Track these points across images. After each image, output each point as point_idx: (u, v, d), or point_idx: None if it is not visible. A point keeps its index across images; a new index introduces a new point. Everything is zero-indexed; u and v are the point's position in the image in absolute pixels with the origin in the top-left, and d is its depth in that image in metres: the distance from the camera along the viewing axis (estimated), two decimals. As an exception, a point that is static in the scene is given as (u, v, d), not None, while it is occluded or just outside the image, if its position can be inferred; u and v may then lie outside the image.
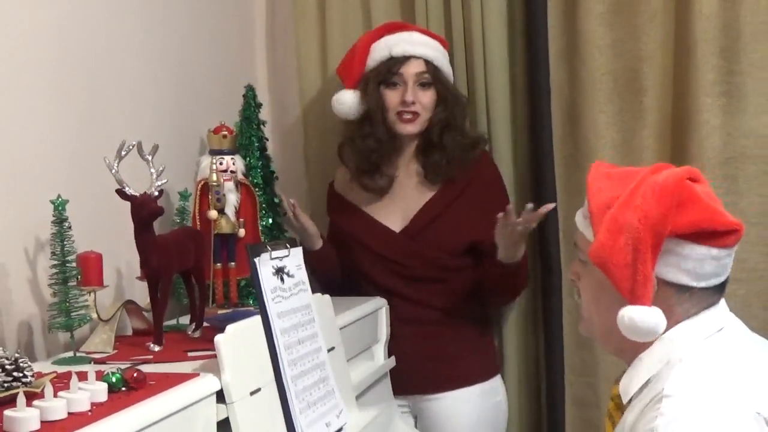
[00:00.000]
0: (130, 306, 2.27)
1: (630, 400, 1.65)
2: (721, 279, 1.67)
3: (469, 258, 2.79)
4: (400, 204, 2.83)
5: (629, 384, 1.66)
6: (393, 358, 2.73)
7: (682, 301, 1.65)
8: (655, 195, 1.60)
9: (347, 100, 2.84)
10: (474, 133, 2.89)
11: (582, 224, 1.74)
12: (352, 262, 2.82)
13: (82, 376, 1.60)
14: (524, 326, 3.02)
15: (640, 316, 1.60)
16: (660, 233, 1.59)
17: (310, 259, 2.64)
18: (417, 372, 2.76)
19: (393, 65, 2.78)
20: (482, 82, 2.97)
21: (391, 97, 2.78)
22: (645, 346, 1.65)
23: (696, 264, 1.62)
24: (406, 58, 2.78)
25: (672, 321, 1.63)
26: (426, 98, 2.78)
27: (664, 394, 1.53)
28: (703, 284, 1.64)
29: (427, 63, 2.79)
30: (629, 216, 1.60)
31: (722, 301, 1.70)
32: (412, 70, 2.78)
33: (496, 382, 2.87)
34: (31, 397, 1.49)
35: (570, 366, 2.92)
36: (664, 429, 1.49)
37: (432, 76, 2.79)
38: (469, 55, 3.00)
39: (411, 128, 2.78)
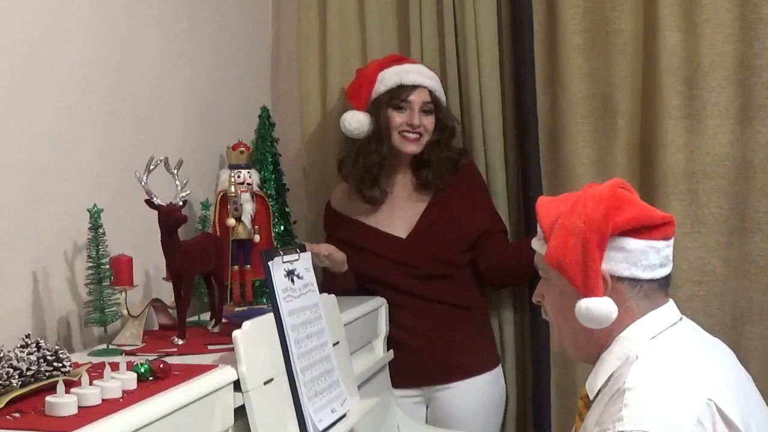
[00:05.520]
0: (156, 304, 2.27)
1: (596, 396, 1.65)
2: (666, 270, 1.68)
3: (469, 253, 2.80)
4: (399, 214, 2.82)
5: (594, 382, 1.65)
6: (391, 351, 2.72)
7: (633, 294, 1.65)
8: (594, 201, 1.64)
9: (358, 120, 2.82)
10: (457, 148, 2.88)
11: (537, 245, 1.75)
12: (366, 270, 2.79)
13: (115, 367, 1.61)
14: (519, 322, 3.00)
15: (594, 305, 1.61)
16: (603, 233, 1.61)
17: (335, 281, 2.69)
18: (430, 364, 2.75)
19: (403, 92, 2.79)
20: (478, 107, 2.95)
21: (397, 118, 2.79)
22: (605, 347, 1.66)
23: (641, 256, 1.64)
24: (414, 87, 2.79)
25: (626, 319, 1.64)
26: (428, 123, 2.80)
27: (626, 387, 1.53)
28: (650, 275, 1.65)
29: (431, 93, 2.81)
30: (575, 221, 1.63)
31: (671, 302, 1.70)
32: (419, 98, 2.79)
33: (499, 371, 2.86)
34: (69, 385, 1.49)
35: (554, 358, 2.90)
36: (629, 417, 1.49)
37: (434, 104, 2.81)
38: (464, 83, 2.98)
39: (414, 148, 2.79)
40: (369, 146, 2.81)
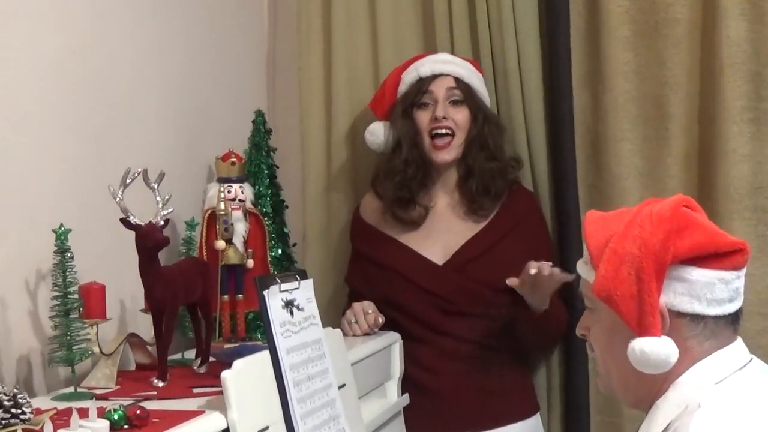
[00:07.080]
0: (133, 339, 2.27)
1: None
2: (735, 306, 1.65)
3: (512, 294, 2.73)
4: (441, 236, 2.79)
5: None
6: (406, 395, 2.71)
7: (696, 333, 1.63)
8: (652, 223, 1.61)
9: (377, 131, 2.86)
10: (509, 156, 2.86)
11: (584, 270, 1.73)
12: (390, 295, 2.77)
13: (83, 413, 1.60)
14: (557, 366, 3.00)
15: (650, 347, 1.58)
16: (662, 260, 1.59)
17: None
18: (458, 409, 2.73)
19: (422, 85, 2.80)
20: (520, 110, 2.97)
21: (423, 116, 2.79)
22: (660, 393, 1.63)
23: (706, 289, 1.61)
24: (434, 77, 2.80)
25: (687, 360, 1.62)
26: (459, 115, 2.78)
27: None
28: (716, 311, 1.62)
29: (457, 80, 2.80)
30: (628, 246, 1.61)
31: (739, 340, 1.67)
32: (441, 86, 2.79)
33: (537, 419, 2.85)
34: (29, 435, 1.49)
35: (595, 406, 2.89)
36: None
37: (463, 93, 2.80)
38: (502, 84, 2.99)
39: (446, 155, 2.77)
40: (395, 157, 2.81)
